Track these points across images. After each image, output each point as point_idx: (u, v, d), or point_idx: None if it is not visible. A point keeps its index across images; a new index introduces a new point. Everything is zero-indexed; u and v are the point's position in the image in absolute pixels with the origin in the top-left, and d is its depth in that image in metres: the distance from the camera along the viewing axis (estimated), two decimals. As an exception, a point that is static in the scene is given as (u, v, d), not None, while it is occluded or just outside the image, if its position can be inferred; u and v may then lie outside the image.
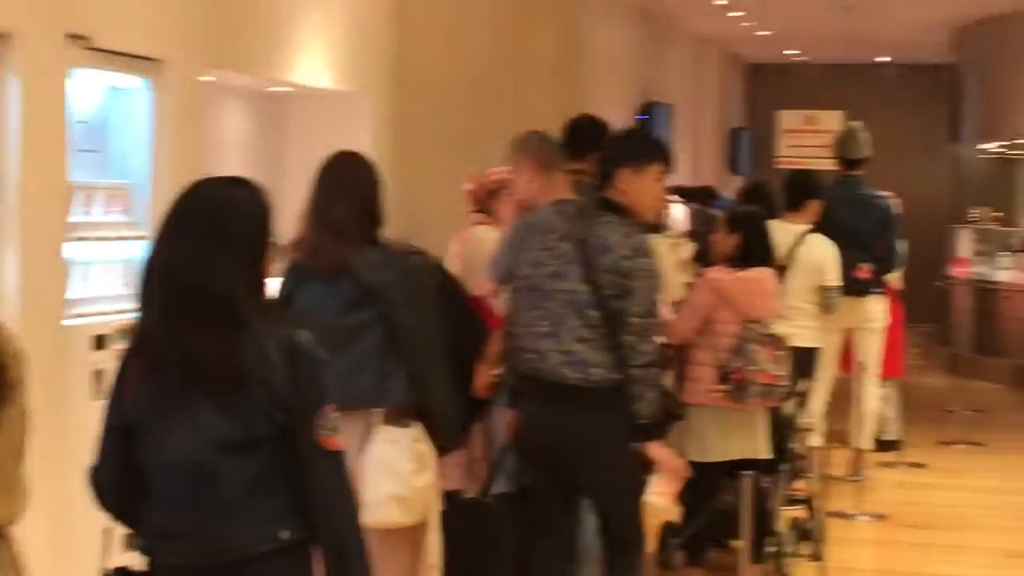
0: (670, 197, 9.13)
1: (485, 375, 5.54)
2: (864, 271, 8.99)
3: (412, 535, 4.86)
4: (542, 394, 5.05)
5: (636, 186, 5.13)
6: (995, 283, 15.10)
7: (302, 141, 7.88)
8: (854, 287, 8.78)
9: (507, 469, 5.28)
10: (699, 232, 8.75)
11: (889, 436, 10.51)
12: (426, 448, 4.76)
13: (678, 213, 9.35)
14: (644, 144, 5.38)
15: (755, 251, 6.59)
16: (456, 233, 6.53)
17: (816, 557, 7.16)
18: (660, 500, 5.22)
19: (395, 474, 4.63)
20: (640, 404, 4.86)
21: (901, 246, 9.78)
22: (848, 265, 8.50)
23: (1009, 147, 16.56)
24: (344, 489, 3.04)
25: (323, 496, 2.97)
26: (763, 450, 6.54)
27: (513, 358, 5.15)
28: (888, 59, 19.72)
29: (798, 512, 7.52)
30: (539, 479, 5.19)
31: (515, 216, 5.73)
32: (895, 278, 10.20)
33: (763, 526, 6.79)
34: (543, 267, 5.01)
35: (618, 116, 13.49)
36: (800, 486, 7.62)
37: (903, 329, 10.77)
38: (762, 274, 6.48)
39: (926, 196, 16.78)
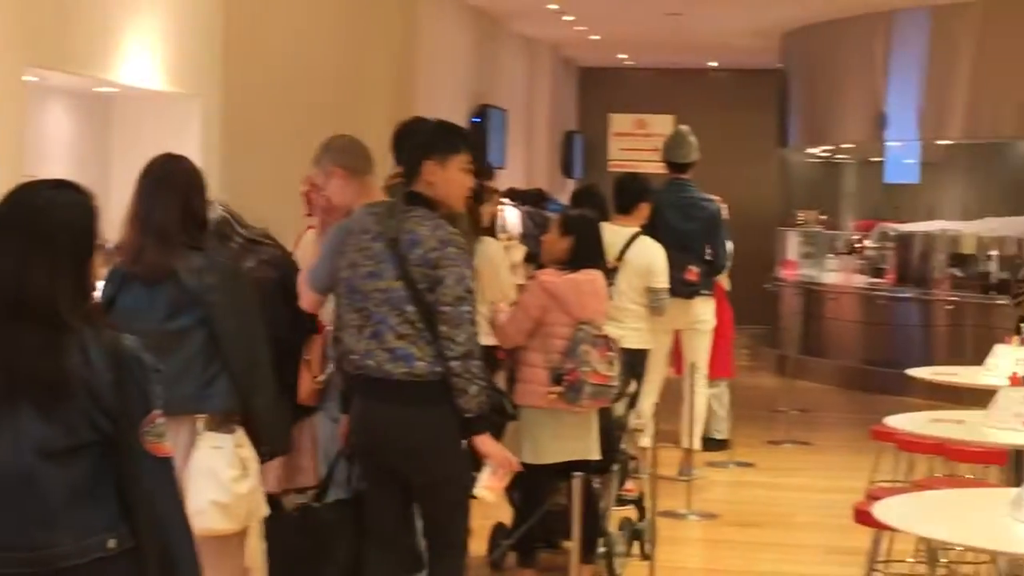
0: (503, 200, 9.17)
1: (309, 381, 5.57)
2: (692, 273, 9.11)
3: (235, 542, 4.83)
4: (370, 392, 5.02)
5: (442, 177, 5.10)
6: (821, 285, 15.40)
7: (129, 142, 7.77)
8: (682, 289, 8.89)
9: (340, 474, 5.22)
10: (531, 235, 8.79)
11: (720, 435, 10.65)
12: (249, 454, 4.72)
13: (511, 216, 9.37)
14: (447, 135, 5.32)
15: (587, 254, 6.61)
16: (294, 237, 6.47)
17: (646, 557, 7.24)
18: (488, 495, 5.20)
19: (217, 480, 4.58)
20: (463, 398, 4.84)
21: (728, 248, 9.94)
22: (677, 267, 8.61)
23: (834, 152, 16.93)
24: (173, 496, 3.00)
25: (151, 503, 2.92)
26: (595, 451, 6.55)
27: (342, 361, 5.10)
28: (716, 64, 20.02)
29: (628, 512, 7.59)
30: (372, 482, 5.14)
31: (322, 221, 5.72)
32: (724, 280, 10.37)
33: (594, 527, 6.83)
34: (359, 268, 4.99)
35: (452, 119, 13.53)
36: (630, 486, 7.70)
37: (732, 330, 10.95)
38: (593, 276, 6.49)
39: (754, 199, 16.99)
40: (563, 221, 6.94)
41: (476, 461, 5.10)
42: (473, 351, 4.89)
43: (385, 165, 6.39)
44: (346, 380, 5.19)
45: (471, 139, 5.38)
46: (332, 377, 5.56)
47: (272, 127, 9.03)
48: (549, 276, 6.49)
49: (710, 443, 10.52)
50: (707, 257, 9.43)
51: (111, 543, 2.87)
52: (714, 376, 10.43)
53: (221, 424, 4.67)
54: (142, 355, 2.95)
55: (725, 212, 9.98)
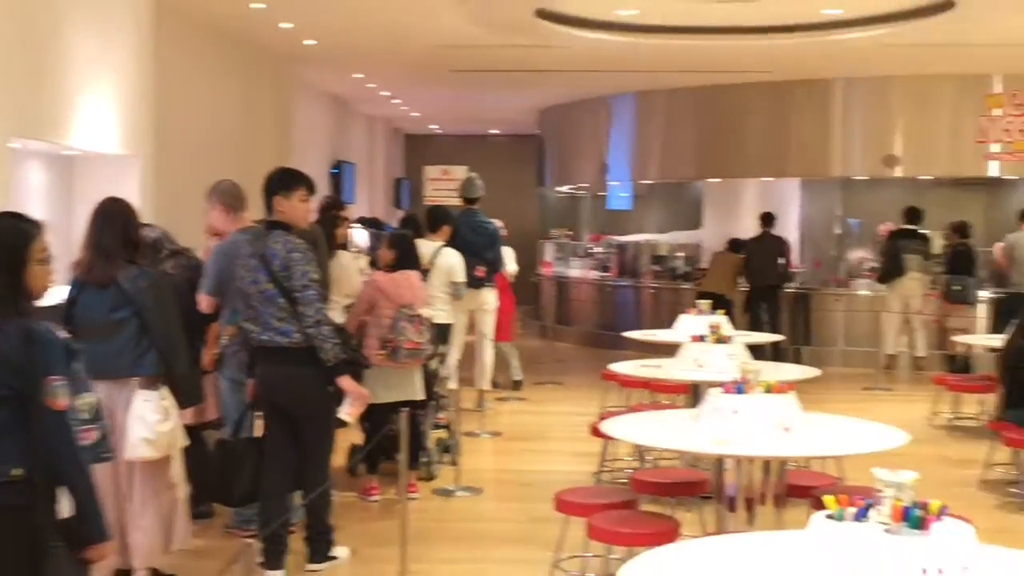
0: (353, 225, 9.19)
1: (208, 354, 5.80)
2: (480, 271, 9.23)
3: (162, 464, 4.84)
4: (266, 358, 5.10)
5: (288, 206, 5.15)
6: (568, 277, 15.59)
7: (87, 192, 7.45)
8: (474, 282, 8.98)
9: (249, 419, 5.21)
10: (373, 249, 8.77)
11: (517, 377, 10.95)
12: (170, 404, 4.81)
13: (359, 236, 9.31)
14: (288, 176, 5.35)
15: (406, 260, 6.69)
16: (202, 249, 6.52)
17: (454, 463, 7.24)
18: (348, 419, 5.35)
19: (146, 423, 4.67)
20: (322, 353, 4.94)
21: (506, 255, 10.05)
22: (470, 268, 8.70)
23: (575, 189, 17.13)
24: (67, 437, 3.00)
25: (50, 443, 2.95)
26: (419, 394, 6.63)
27: (248, 339, 5.17)
28: (497, 131, 20.14)
29: (441, 434, 7.57)
30: (270, 419, 5.16)
31: (210, 242, 5.97)
32: (509, 274, 10.54)
33: (417, 444, 6.87)
34: (245, 278, 5.09)
35: (318, 171, 13.50)
36: (442, 416, 7.68)
37: (513, 307, 11.04)
38: (408, 275, 6.58)
39: (523, 221, 17.06)
40: (389, 239, 7.06)
41: (339, 399, 5.23)
42: (322, 320, 4.98)
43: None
44: (250, 352, 5.24)
45: (307, 178, 5.37)
46: (225, 350, 5.70)
47: (190, 177, 8.78)
48: (378, 276, 6.58)
49: (516, 384, 10.89)
50: (490, 259, 9.58)
51: (16, 472, 2.92)
52: (503, 339, 10.55)
53: (150, 384, 4.75)
54: (51, 336, 3.00)
55: (502, 230, 10.08)
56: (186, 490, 5.06)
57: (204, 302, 5.65)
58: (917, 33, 9.78)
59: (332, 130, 15.81)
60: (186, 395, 4.97)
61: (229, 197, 5.87)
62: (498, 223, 10.12)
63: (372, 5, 9.38)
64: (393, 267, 6.61)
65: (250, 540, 3.21)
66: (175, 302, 5.06)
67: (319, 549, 5.29)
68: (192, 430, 5.37)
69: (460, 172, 10.30)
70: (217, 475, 5.16)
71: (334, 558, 5.33)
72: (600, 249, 15.90)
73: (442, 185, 18.29)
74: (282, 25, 10.22)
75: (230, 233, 5.73)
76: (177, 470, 4.95)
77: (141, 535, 4.82)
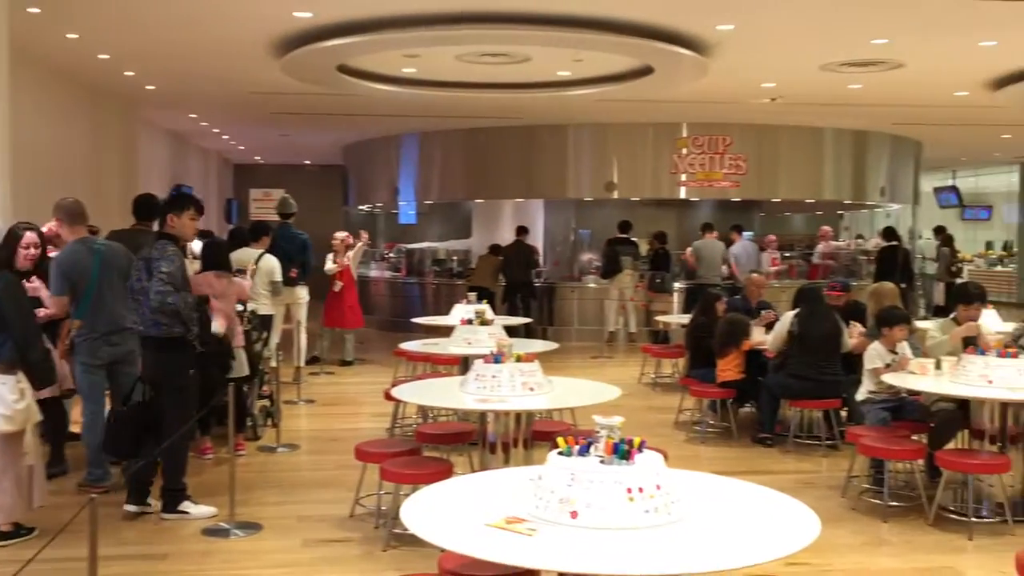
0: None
1: (61, 345, 5.55)
2: (293, 273, 9.03)
3: (17, 437, 4.51)
4: (146, 345, 4.98)
5: (179, 223, 5.02)
6: (368, 277, 15.39)
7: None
8: (289, 282, 8.77)
9: (140, 391, 5.01)
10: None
11: (350, 357, 10.72)
12: (26, 386, 4.52)
13: (196, 246, 8.93)
14: (183, 198, 5.28)
15: (218, 263, 6.36)
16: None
17: (275, 425, 7.01)
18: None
19: (4, 402, 4.37)
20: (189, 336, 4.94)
21: (315, 260, 9.85)
22: (286, 270, 8.45)
23: (373, 207, 16.86)
24: None
25: None
26: (245, 370, 6.37)
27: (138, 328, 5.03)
28: (309, 161, 19.63)
29: (265, 403, 7.33)
30: (154, 390, 4.98)
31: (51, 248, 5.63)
32: (354, 271, 10.70)
33: (244, 411, 6.63)
34: (132, 278, 4.97)
35: (160, 194, 12.75)
36: (266, 388, 7.42)
37: (357, 302, 10.89)
38: (207, 275, 6.19)
39: (330, 233, 16.76)
40: (204, 248, 6.76)
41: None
42: (164, 308, 4.81)
43: (122, 222, 6.43)
44: (140, 340, 5.09)
45: (197, 201, 5.27)
46: (75, 339, 5.39)
47: (46, 198, 8.19)
48: (200, 277, 6.13)
49: (346, 363, 10.61)
50: (301, 263, 9.39)
51: None
52: (352, 327, 10.69)
53: (8, 369, 4.44)
54: None
55: (309, 240, 9.81)
56: (42, 455, 4.74)
57: (54, 303, 5.32)
58: (625, 92, 10.16)
59: (172, 159, 15.01)
60: (40, 379, 4.66)
61: (68, 212, 5.50)
62: (307, 234, 9.97)
63: (202, 57, 8.97)
64: (208, 269, 6.30)
65: (96, 495, 2.99)
66: (27, 300, 4.77)
67: (170, 501, 5.02)
68: (54, 399, 5.33)
69: (278, 194, 9.99)
70: (111, 435, 4.99)
71: (185, 512, 5.02)
72: (393, 254, 15.85)
73: (264, 204, 17.66)
74: (127, 73, 9.67)
75: (68, 243, 5.42)
76: (31, 441, 4.59)
77: (2, 496, 4.49)
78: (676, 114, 12.38)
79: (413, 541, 2.71)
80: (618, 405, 4.11)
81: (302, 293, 9.47)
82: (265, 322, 7.52)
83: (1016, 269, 19.34)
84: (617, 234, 12.70)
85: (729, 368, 7.11)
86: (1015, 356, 5.11)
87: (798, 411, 7.01)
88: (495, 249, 13.00)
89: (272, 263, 8.10)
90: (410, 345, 6.94)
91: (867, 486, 5.64)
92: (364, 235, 11.49)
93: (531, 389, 4.51)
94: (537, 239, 14.21)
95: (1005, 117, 11.87)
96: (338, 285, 10.42)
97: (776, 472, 6.14)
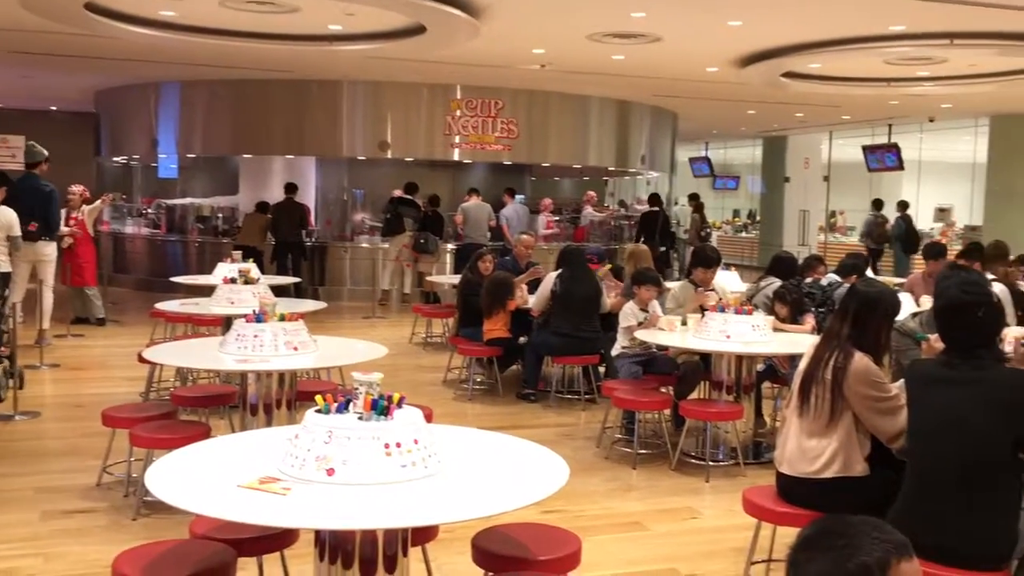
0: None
1: None
2: (33, 227, 8.30)
3: None
4: None
5: None
6: (124, 234, 14.50)
7: None
8: (30, 236, 8.06)
9: None
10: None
11: (100, 315, 10.15)
12: None
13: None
14: None
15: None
16: None
17: (21, 387, 6.47)
18: None
19: None
20: None
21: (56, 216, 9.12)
22: (25, 224, 7.71)
23: (129, 159, 15.74)
24: None
25: None
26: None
27: None
28: (56, 108, 18.00)
29: (4, 364, 6.73)
30: None
31: None
32: (89, 226, 10.02)
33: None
34: None
35: None
36: (4, 348, 6.79)
37: (95, 258, 10.33)
38: None
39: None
40: None
41: None
42: None
43: None
44: None
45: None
46: None
47: None
48: None
49: (100, 321, 10.08)
50: (43, 217, 8.64)
51: None
52: (88, 284, 10.02)
53: None
54: None
55: (56, 193, 9.05)
56: None
57: None
58: (399, 50, 10.07)
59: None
60: None
61: None
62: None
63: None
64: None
65: None
66: None
67: None
68: None
69: (19, 141, 9.08)
70: None
71: None
72: (152, 210, 14.97)
73: (2, 153, 16.03)
74: None
75: None
76: None
77: None
78: (450, 76, 12.43)
79: (166, 509, 2.59)
80: (387, 364, 4.10)
81: (47, 250, 8.73)
82: (3, 280, 6.90)
83: (758, 235, 21.10)
84: (402, 194, 12.66)
85: (496, 327, 7.30)
86: (750, 313, 5.59)
87: (560, 367, 7.33)
88: (262, 207, 12.59)
89: (9, 216, 7.39)
90: (168, 305, 6.60)
91: (620, 436, 6.01)
92: (108, 196, 10.87)
93: (295, 349, 4.42)
94: (309, 198, 13.87)
95: (750, 94, 12.85)
96: (67, 242, 9.62)
97: (538, 426, 6.40)
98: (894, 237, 15.48)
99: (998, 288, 5.53)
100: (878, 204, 16.37)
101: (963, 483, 2.85)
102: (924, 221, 20.52)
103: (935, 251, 7.51)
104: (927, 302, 5.89)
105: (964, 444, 2.86)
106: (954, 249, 10.73)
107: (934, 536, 2.81)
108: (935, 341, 3.42)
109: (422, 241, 12.38)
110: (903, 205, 15.81)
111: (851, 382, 3.35)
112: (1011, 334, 3.42)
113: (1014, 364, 3.29)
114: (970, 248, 7.54)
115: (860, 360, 3.38)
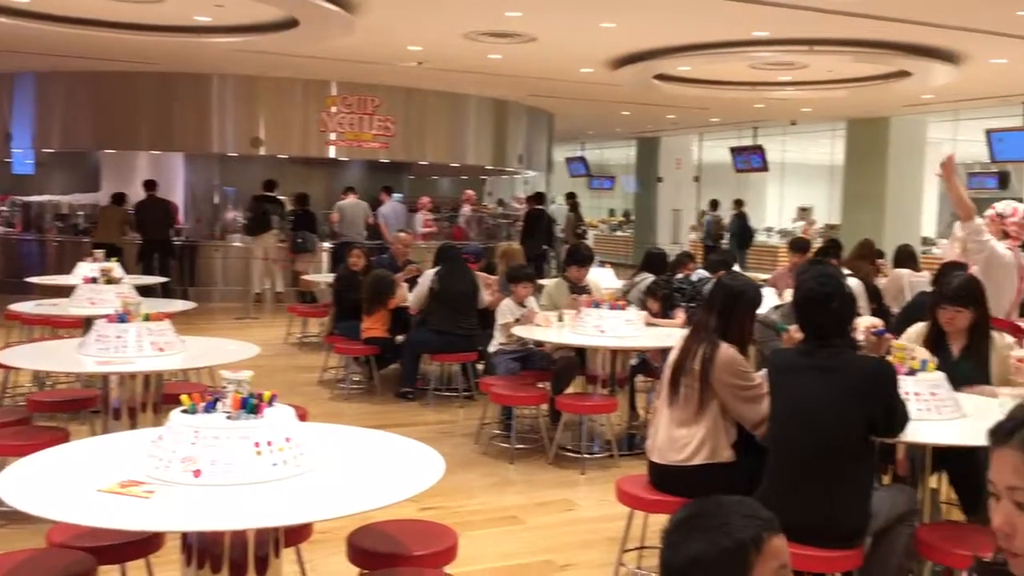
0: None
1: None
2: None
3: None
4: None
5: None
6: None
7: None
8: None
9: None
10: None
11: None
12: None
13: None
14: None
15: None
16: None
17: None
18: None
19: None
20: None
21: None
22: None
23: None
24: None
25: None
26: None
27: None
28: None
29: None
30: None
31: None
32: None
33: None
34: None
35: None
36: None
37: None
38: None
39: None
40: None
41: None
42: None
43: None
44: None
45: None
46: None
47: None
48: None
49: None
50: None
51: None
52: None
53: None
54: None
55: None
56: None
57: None
58: (271, 44, 9.84)
59: None
60: None
61: None
62: None
63: None
64: None
65: None
66: None
67: None
68: None
69: None
70: None
71: None
72: (6, 208, 14.16)
73: None
74: None
75: None
76: None
77: None
78: (326, 71, 12.22)
79: (22, 518, 2.45)
80: (261, 365, 3.99)
81: None
82: None
83: (633, 234, 21.61)
84: (263, 191, 12.40)
85: (375, 326, 7.23)
86: (624, 308, 5.72)
87: (438, 365, 7.31)
88: (118, 198, 12.08)
89: None
90: (23, 307, 6.27)
91: (497, 432, 6.05)
92: None
93: (161, 350, 4.28)
94: (177, 195, 13.41)
95: (624, 95, 13.14)
96: None
97: (416, 424, 6.37)
98: (731, 233, 16.40)
99: (853, 282, 5.84)
100: (714, 204, 17.74)
101: (821, 465, 3.00)
102: (787, 220, 21.51)
103: (799, 246, 7.85)
104: (789, 295, 6.17)
105: (821, 428, 3.01)
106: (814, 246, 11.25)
107: (795, 517, 2.94)
108: (794, 332, 3.59)
109: (300, 240, 12.15)
110: (739, 203, 16.91)
111: (718, 372, 3.47)
112: (863, 324, 3.62)
113: (866, 352, 3.48)
114: (828, 245, 7.93)
115: (726, 351, 3.51)
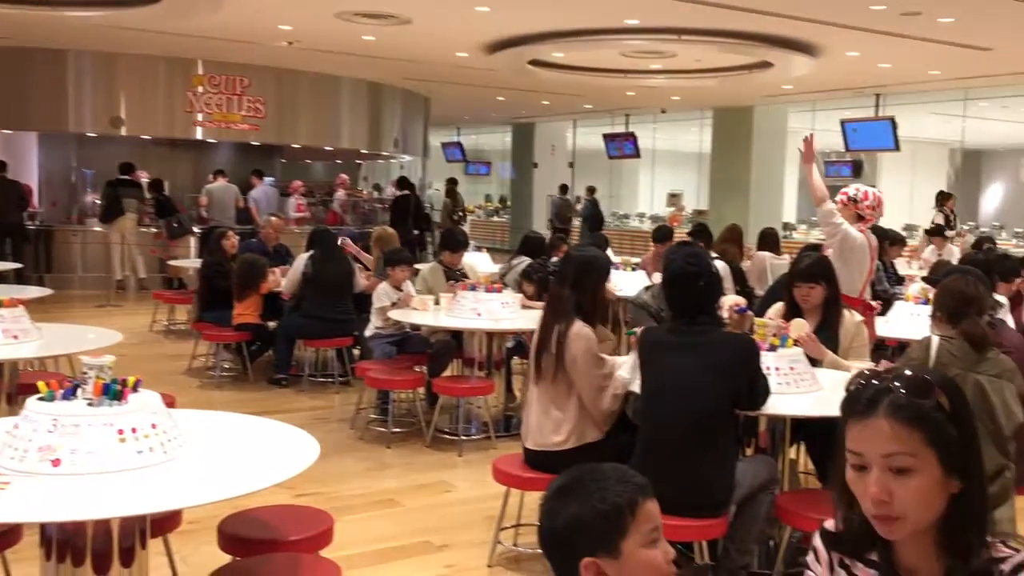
0: None
1: None
2: None
3: None
4: None
5: None
6: None
7: None
8: None
9: None
10: None
11: None
12: None
13: None
14: None
15: None
16: None
17: None
18: None
19: None
20: None
21: None
22: None
23: None
24: None
25: None
26: None
27: None
28: None
29: None
30: None
31: None
32: None
33: None
34: None
35: None
36: None
37: None
38: None
39: None
40: None
41: None
42: None
43: None
44: None
45: None
46: None
47: None
48: None
49: None
50: None
51: None
52: None
53: None
54: None
55: None
56: None
57: None
58: (133, 19, 9.42)
59: None
60: None
61: None
62: None
63: None
64: None
65: None
66: None
67: None
68: None
69: None
70: None
71: None
72: None
73: None
74: None
75: None
76: None
77: None
78: (191, 49, 11.78)
79: None
80: (125, 354, 3.86)
81: None
82: None
83: (509, 219, 21.76)
84: (118, 175, 11.87)
85: (247, 312, 7.05)
86: (500, 291, 5.77)
87: (313, 351, 7.20)
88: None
89: None
90: None
91: (374, 416, 6.01)
92: None
93: (15, 337, 4.06)
94: (31, 176, 12.70)
95: (499, 80, 13.19)
96: None
97: (291, 411, 6.26)
98: (582, 217, 17.07)
99: (719, 264, 6.07)
100: (564, 188, 18.45)
101: (689, 438, 3.11)
102: (658, 206, 22.08)
103: (662, 234, 8.07)
104: (658, 278, 6.34)
105: (689, 402, 3.12)
106: (683, 231, 11.61)
107: (665, 488, 3.04)
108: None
109: (175, 225, 11.71)
110: (591, 190, 17.51)
111: (570, 355, 3.52)
112: (727, 302, 3.77)
113: (731, 329, 3.62)
114: (696, 230, 8.19)
115: (579, 332, 3.55)
